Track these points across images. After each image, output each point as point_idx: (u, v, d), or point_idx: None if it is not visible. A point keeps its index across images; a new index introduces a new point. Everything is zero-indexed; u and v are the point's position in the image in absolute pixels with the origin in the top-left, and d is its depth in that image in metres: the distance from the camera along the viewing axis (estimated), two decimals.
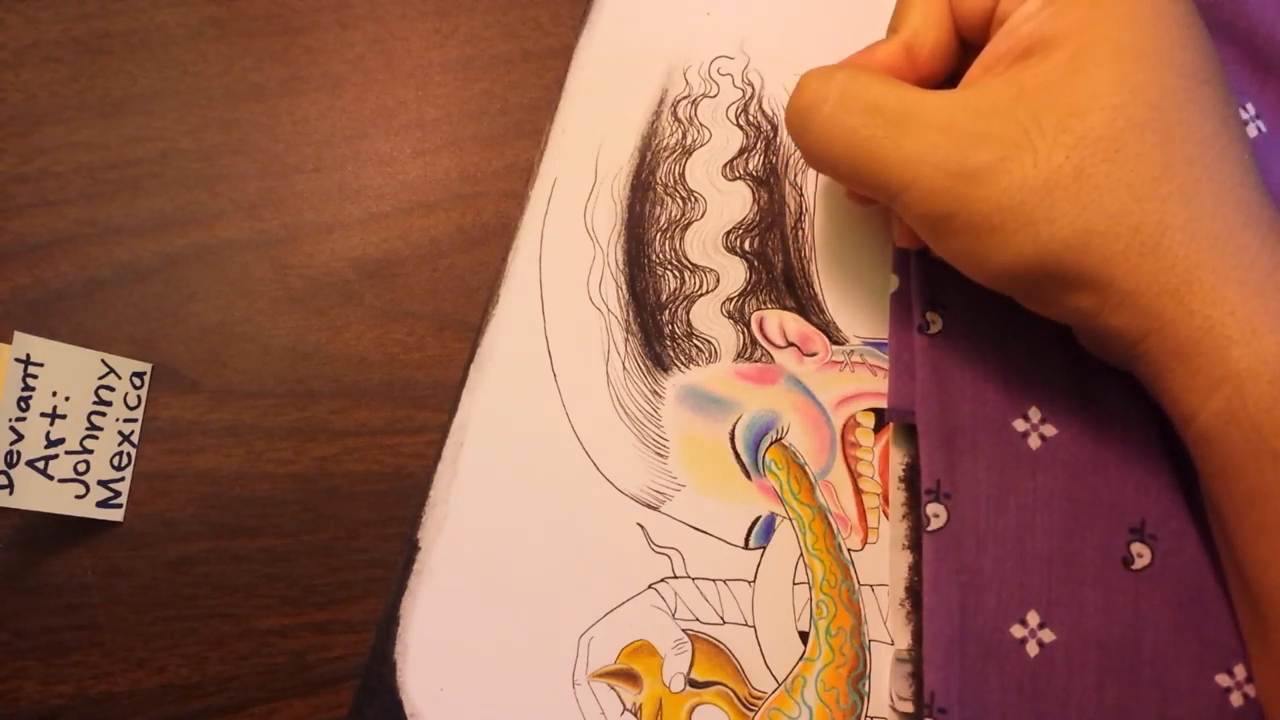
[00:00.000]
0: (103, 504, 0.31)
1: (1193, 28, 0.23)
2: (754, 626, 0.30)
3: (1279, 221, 0.23)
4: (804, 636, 0.30)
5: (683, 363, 0.32)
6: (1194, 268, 0.22)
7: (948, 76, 0.27)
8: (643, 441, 0.31)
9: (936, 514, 0.28)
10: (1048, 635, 0.27)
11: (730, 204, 0.33)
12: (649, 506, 0.31)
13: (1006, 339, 0.28)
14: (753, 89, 0.34)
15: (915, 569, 0.29)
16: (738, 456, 0.31)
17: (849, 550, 0.30)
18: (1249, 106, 0.30)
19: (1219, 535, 0.25)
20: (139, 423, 0.32)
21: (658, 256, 0.33)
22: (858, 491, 0.31)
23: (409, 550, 0.30)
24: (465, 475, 0.31)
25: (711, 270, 0.32)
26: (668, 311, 0.32)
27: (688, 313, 0.32)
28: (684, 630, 0.30)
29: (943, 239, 0.24)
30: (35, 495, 0.29)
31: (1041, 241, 0.22)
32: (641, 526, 0.30)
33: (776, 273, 0.32)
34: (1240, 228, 0.22)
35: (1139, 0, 0.23)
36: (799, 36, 0.34)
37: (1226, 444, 0.22)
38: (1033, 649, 0.27)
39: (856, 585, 0.30)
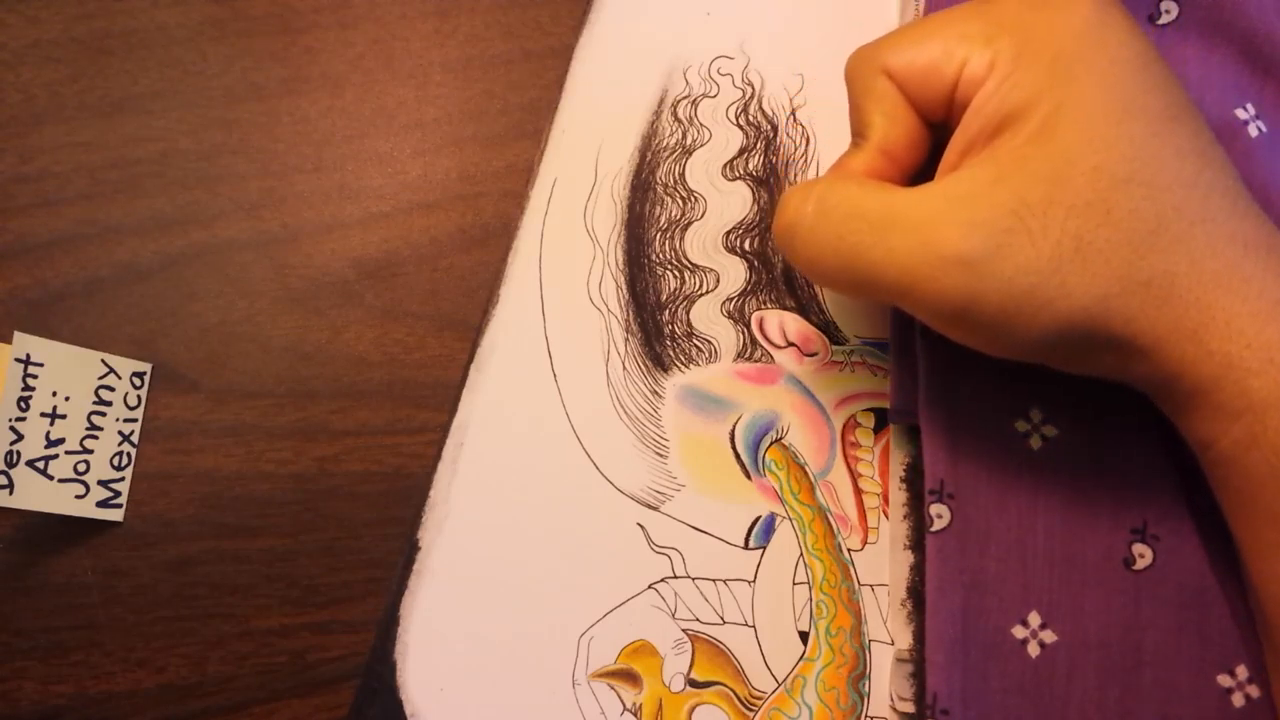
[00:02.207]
0: (103, 504, 0.31)
1: (1151, 66, 0.23)
2: (754, 626, 0.30)
3: (1278, 238, 0.23)
4: (804, 636, 0.30)
5: (683, 363, 0.32)
6: (1206, 309, 0.22)
7: (928, 158, 0.27)
8: (643, 441, 0.31)
9: (940, 514, 0.28)
10: (1049, 636, 0.27)
11: (730, 204, 0.33)
12: (649, 506, 0.31)
13: None
14: (753, 89, 0.34)
15: (916, 569, 0.29)
16: (738, 456, 0.31)
17: (849, 550, 0.30)
18: (1249, 107, 0.30)
19: (1241, 559, 0.25)
20: (139, 423, 0.32)
21: (658, 256, 0.33)
22: (858, 491, 0.31)
23: (409, 550, 0.30)
24: (465, 475, 0.31)
25: (711, 270, 0.32)
26: (668, 311, 0.32)
27: (688, 313, 0.32)
28: (684, 630, 0.30)
29: (963, 332, 0.24)
30: (35, 495, 0.29)
31: (1062, 317, 0.22)
32: (641, 526, 0.30)
33: (776, 273, 0.32)
34: (1241, 260, 0.22)
35: (1093, 53, 0.23)
36: (799, 36, 0.34)
37: (1246, 467, 0.22)
38: (1034, 650, 0.27)
39: (856, 585, 0.30)
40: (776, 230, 0.26)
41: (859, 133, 0.26)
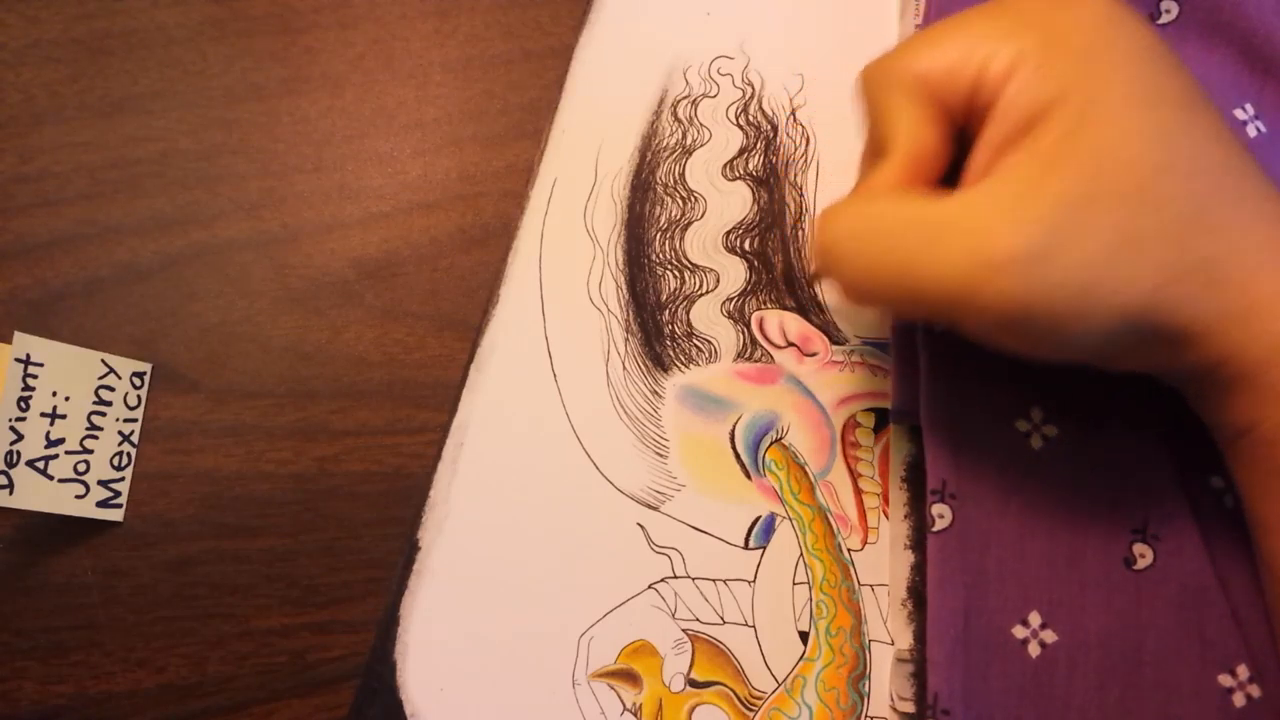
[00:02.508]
0: (103, 504, 0.31)
1: (1165, 56, 0.23)
2: (754, 626, 0.30)
3: None
4: (804, 636, 0.30)
5: (683, 363, 0.32)
6: (1250, 289, 0.22)
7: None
8: (643, 441, 0.31)
9: (941, 514, 0.28)
10: (1050, 636, 0.27)
11: (730, 204, 0.33)
12: (649, 506, 0.31)
13: None
14: (753, 89, 0.34)
15: (917, 569, 0.29)
16: (738, 456, 0.31)
17: (849, 550, 0.30)
18: (1248, 107, 0.30)
19: (1257, 549, 0.25)
20: (139, 423, 0.32)
21: (658, 256, 0.33)
22: (858, 491, 0.31)
23: (409, 550, 0.30)
24: (465, 475, 0.31)
25: (711, 270, 0.32)
26: (668, 311, 0.32)
27: (688, 313, 0.32)
28: (684, 630, 0.30)
29: (1017, 337, 0.23)
30: (35, 495, 0.29)
31: (1117, 311, 0.22)
32: (641, 526, 0.30)
33: (776, 273, 0.32)
34: (1275, 237, 0.22)
35: (1115, 46, 0.23)
36: (799, 36, 0.34)
37: None
38: (1034, 649, 0.27)
39: (856, 585, 0.30)
40: (817, 255, 0.25)
41: (882, 146, 0.25)
